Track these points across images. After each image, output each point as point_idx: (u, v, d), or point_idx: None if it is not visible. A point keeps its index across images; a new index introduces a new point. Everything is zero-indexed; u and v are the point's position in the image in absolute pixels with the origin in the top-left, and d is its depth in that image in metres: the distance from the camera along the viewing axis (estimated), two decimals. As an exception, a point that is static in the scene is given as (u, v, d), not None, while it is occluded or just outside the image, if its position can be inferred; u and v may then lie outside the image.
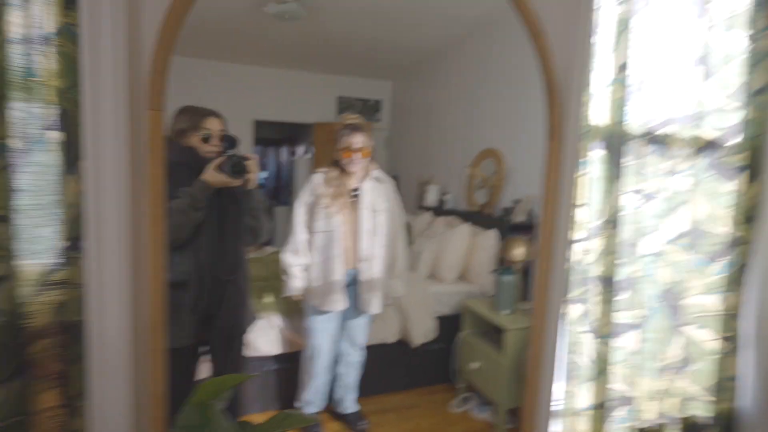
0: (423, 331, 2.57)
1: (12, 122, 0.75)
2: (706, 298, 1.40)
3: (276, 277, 2.65)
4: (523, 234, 2.74)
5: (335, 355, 2.19)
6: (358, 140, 1.91)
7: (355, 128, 1.93)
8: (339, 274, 1.96)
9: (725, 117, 1.35)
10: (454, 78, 3.99)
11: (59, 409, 0.85)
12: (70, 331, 0.81)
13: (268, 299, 2.33)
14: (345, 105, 5.30)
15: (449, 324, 2.70)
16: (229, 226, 1.51)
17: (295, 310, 2.32)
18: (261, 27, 3.66)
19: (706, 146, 1.34)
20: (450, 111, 4.05)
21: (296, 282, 2.01)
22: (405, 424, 2.34)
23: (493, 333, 2.42)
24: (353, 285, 2.05)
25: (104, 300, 0.73)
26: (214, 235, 1.48)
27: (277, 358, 2.34)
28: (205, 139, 1.49)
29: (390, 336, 2.53)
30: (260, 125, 5.17)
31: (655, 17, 1.24)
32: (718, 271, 1.38)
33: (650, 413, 1.36)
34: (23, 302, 0.78)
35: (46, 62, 0.75)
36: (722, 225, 1.36)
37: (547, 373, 1.10)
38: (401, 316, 2.56)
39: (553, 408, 1.22)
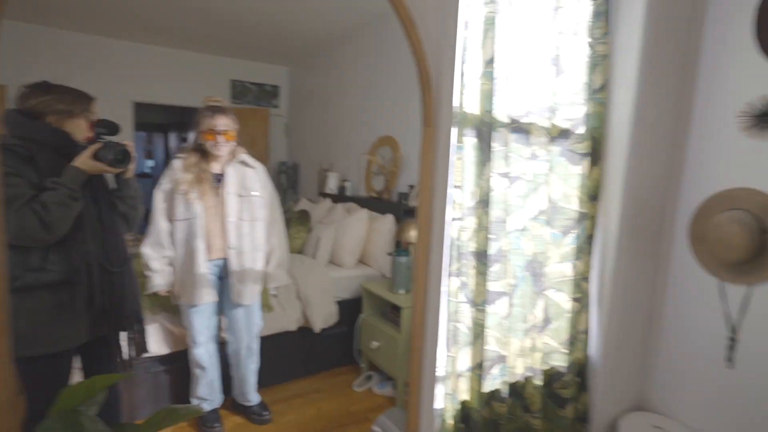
0: (324, 317, 2.60)
1: None
2: (561, 266, 1.62)
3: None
4: (417, 217, 2.89)
5: (232, 348, 2.12)
6: (221, 122, 1.83)
7: (217, 110, 1.85)
8: (203, 265, 1.87)
9: (573, 110, 1.56)
10: (352, 66, 4.02)
11: None
12: None
13: (154, 297, 2.17)
14: (240, 89, 5.05)
15: (350, 307, 2.76)
16: (106, 215, 1.39)
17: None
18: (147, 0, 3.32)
19: (558, 135, 1.54)
20: (348, 99, 4.08)
21: (159, 277, 1.88)
22: (308, 409, 2.36)
23: (392, 312, 2.53)
24: (225, 275, 1.97)
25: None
26: (95, 225, 1.34)
27: (167, 358, 2.19)
28: (91, 126, 1.35)
29: (291, 324, 2.52)
30: (143, 108, 4.69)
31: (517, 18, 1.39)
32: (569, 242, 1.60)
33: (519, 368, 1.55)
34: None
35: None
36: (572, 203, 1.59)
37: (429, 342, 1.20)
38: (302, 304, 2.56)
39: (437, 373, 1.33)
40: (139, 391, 2.15)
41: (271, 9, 3.46)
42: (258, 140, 4.92)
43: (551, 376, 1.63)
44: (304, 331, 2.60)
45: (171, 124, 7.10)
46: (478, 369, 1.37)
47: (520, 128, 1.46)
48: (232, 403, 2.29)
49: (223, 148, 1.86)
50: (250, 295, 1.97)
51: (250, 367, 2.15)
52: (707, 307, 1.69)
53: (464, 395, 1.38)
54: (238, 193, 1.91)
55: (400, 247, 2.82)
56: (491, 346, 1.44)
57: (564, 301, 1.62)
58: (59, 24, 3.86)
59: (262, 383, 2.33)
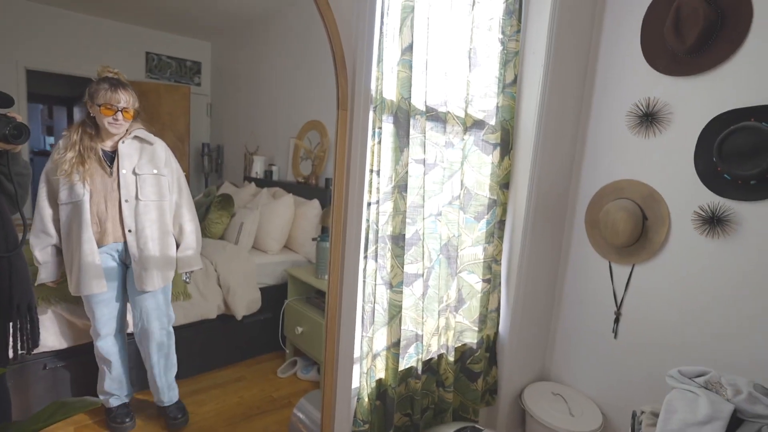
0: (247, 303, 2.54)
1: None
2: (474, 249, 1.72)
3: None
4: (344, 203, 2.89)
5: (139, 340, 1.98)
6: (121, 98, 1.68)
7: (118, 84, 1.69)
8: (91, 251, 1.72)
9: (486, 102, 1.65)
10: (280, 46, 3.88)
11: None
12: None
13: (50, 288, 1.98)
14: (156, 63, 4.67)
15: (275, 293, 2.72)
16: None
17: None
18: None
19: (473, 125, 1.62)
20: (276, 80, 3.94)
21: (44, 269, 1.75)
22: (230, 398, 2.31)
23: (316, 297, 2.53)
24: (127, 261, 1.85)
25: None
26: None
27: (68, 352, 2.02)
28: None
29: (211, 311, 2.43)
30: (40, 77, 4.17)
31: (435, 9, 1.43)
32: (482, 227, 1.70)
33: (434, 346, 1.63)
34: None
35: None
36: (485, 190, 1.68)
37: (345, 323, 1.22)
38: (222, 290, 2.48)
39: (354, 354, 1.36)
40: (36, 389, 1.96)
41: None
42: (178, 119, 4.60)
43: (463, 352, 1.73)
44: (226, 318, 2.52)
45: (76, 97, 6.41)
46: (395, 348, 1.42)
47: (436, 117, 1.51)
48: (146, 399, 2.17)
49: (121, 127, 1.71)
50: (156, 280, 1.84)
51: (161, 363, 2.00)
52: (599, 285, 1.89)
53: (380, 374, 1.43)
54: (133, 172, 1.76)
55: (325, 232, 2.81)
56: (407, 325, 1.50)
57: (476, 282, 1.73)
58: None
59: (180, 375, 2.22)
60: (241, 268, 2.56)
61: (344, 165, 1.10)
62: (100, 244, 1.75)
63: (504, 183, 1.74)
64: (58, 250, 1.78)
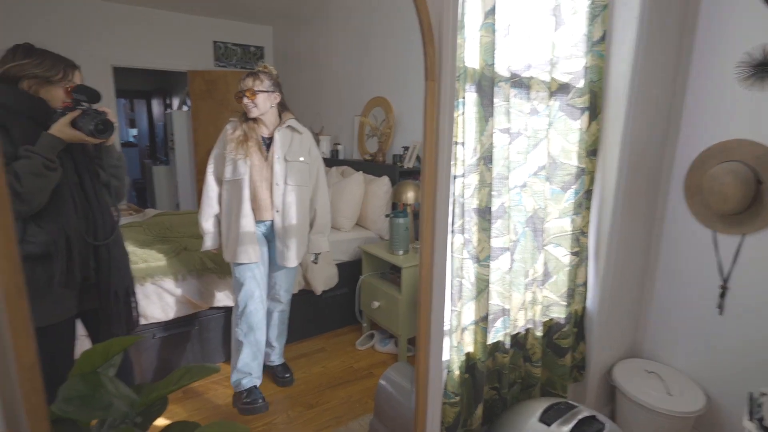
0: (325, 279, 2.64)
1: None
2: (560, 221, 1.65)
3: (162, 240, 2.46)
4: (413, 178, 2.88)
5: (270, 309, 2.17)
6: (246, 83, 1.88)
7: (249, 73, 1.90)
8: (249, 223, 1.91)
9: (572, 63, 1.54)
10: (341, 25, 3.87)
11: None
12: None
13: (156, 263, 2.17)
14: (223, 51, 4.86)
15: (350, 269, 2.80)
16: (90, 186, 1.33)
17: (187, 272, 2.20)
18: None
19: (558, 89, 1.52)
20: (338, 59, 3.95)
21: (209, 237, 2.00)
22: (314, 367, 2.44)
23: (391, 273, 2.57)
24: (271, 237, 2.03)
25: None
26: (77, 197, 1.30)
27: (170, 324, 2.22)
28: (68, 93, 1.28)
29: (294, 287, 2.55)
30: (124, 73, 4.51)
31: (518, -35, 1.34)
32: (569, 197, 1.62)
33: (521, 321, 1.60)
34: None
35: None
36: (571, 158, 1.59)
37: (437, 297, 1.22)
38: (302, 267, 2.59)
39: (444, 327, 1.37)
40: (147, 355, 2.19)
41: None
42: (246, 105, 4.79)
43: (551, 327, 1.69)
44: (306, 293, 2.64)
45: (154, 90, 6.86)
46: (483, 322, 1.41)
47: (520, 83, 1.44)
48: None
49: (253, 108, 1.88)
50: (294, 258, 2.02)
51: (280, 328, 2.25)
52: (700, 257, 1.74)
53: (469, 347, 1.43)
54: (284, 158, 1.94)
55: (396, 208, 2.82)
56: (494, 300, 1.48)
57: (563, 255, 1.66)
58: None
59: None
60: (318, 245, 2.65)
61: (433, 139, 1.08)
62: (255, 220, 1.95)
63: (592, 150, 1.64)
64: (219, 222, 2.01)
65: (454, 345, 1.35)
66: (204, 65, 4.76)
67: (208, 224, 1.99)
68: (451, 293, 1.34)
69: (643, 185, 1.77)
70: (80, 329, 1.49)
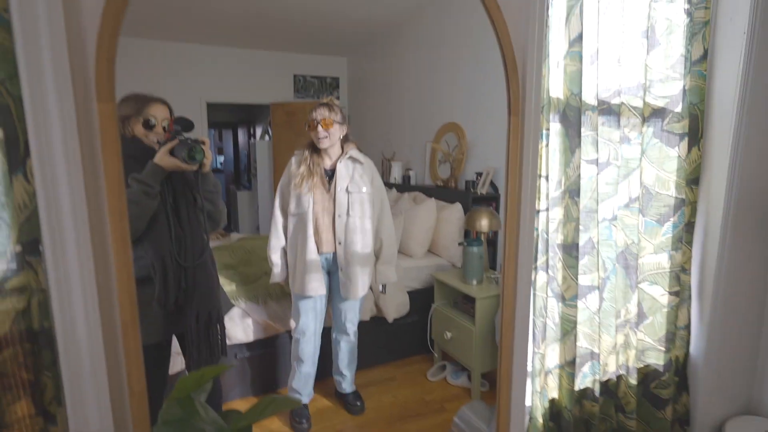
0: (396, 306, 2.63)
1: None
2: (657, 257, 1.50)
3: (245, 263, 2.61)
4: (486, 205, 2.81)
5: (335, 340, 2.19)
6: (321, 113, 1.89)
7: (321, 104, 1.93)
8: (312, 257, 1.93)
9: (668, 86, 1.42)
10: (412, 52, 3.96)
11: (34, 418, 0.82)
12: (37, 338, 0.78)
13: (239, 286, 2.30)
14: (302, 84, 5.17)
15: (422, 297, 2.76)
16: (185, 211, 1.44)
17: (267, 296, 2.31)
18: (211, 4, 3.48)
19: (652, 115, 1.41)
20: (409, 86, 4.03)
21: (277, 269, 2.02)
22: (384, 396, 2.41)
23: (464, 302, 2.50)
24: (334, 269, 2.03)
25: (71, 303, 0.70)
26: (172, 222, 1.42)
27: (251, 345, 2.33)
28: (149, 126, 1.41)
29: (365, 314, 2.56)
30: (214, 108, 4.96)
31: (605, -11, 1.28)
32: (666, 231, 1.47)
33: (611, 366, 1.46)
34: (-21, 312, 0.74)
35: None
36: (669, 189, 1.45)
37: (520, 337, 1.16)
38: (374, 294, 2.60)
39: (527, 369, 1.29)
40: (228, 375, 2.30)
41: (329, 0, 3.49)
42: (321, 133, 5.03)
43: (647, 374, 1.52)
44: (378, 320, 2.64)
45: (239, 121, 7.48)
46: (569, 366, 1.31)
47: (609, 110, 1.35)
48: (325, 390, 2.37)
49: (325, 139, 1.90)
50: (358, 290, 2.01)
51: (348, 358, 2.23)
52: (835, 300, 1.49)
53: (554, 393, 1.34)
54: (347, 189, 1.96)
55: (469, 236, 2.76)
56: (582, 342, 1.37)
57: (660, 294, 1.51)
58: (141, 34, 4.17)
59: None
60: (390, 272, 2.66)
61: (517, 174, 1.05)
62: (316, 252, 1.98)
63: (692, 179, 1.49)
64: (286, 254, 2.06)
65: (537, 390, 1.27)
66: (284, 97, 5.10)
67: (275, 257, 2.02)
68: (534, 334, 1.26)
69: (755, 217, 1.56)
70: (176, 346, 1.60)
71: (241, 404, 2.38)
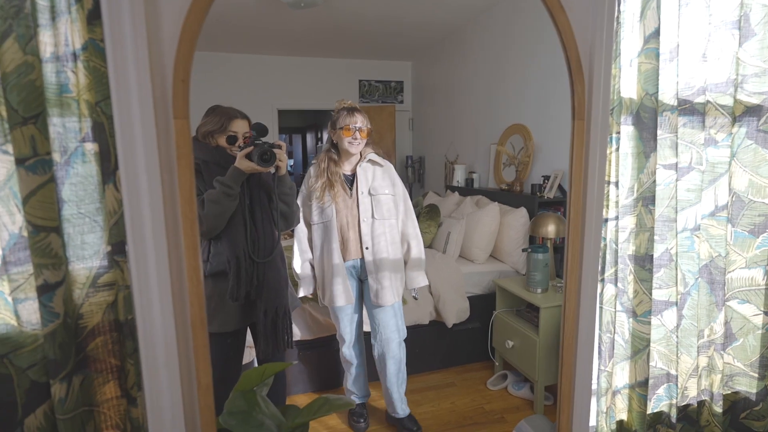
0: (456, 312, 2.59)
1: (52, 137, 0.80)
2: (749, 272, 1.34)
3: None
4: (553, 210, 2.68)
5: (377, 353, 2.07)
6: (357, 119, 1.84)
7: (354, 109, 1.88)
8: (339, 267, 1.90)
9: (765, 81, 1.26)
10: (477, 54, 3.88)
11: (119, 399, 0.92)
12: (122, 328, 0.87)
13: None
14: (367, 88, 5.27)
15: (483, 303, 2.70)
16: (260, 211, 1.54)
17: (328, 296, 2.38)
18: (278, 16, 3.67)
19: (744, 113, 1.26)
20: (473, 88, 3.95)
21: (303, 283, 1.99)
22: (443, 403, 2.38)
23: (527, 311, 2.40)
24: (363, 276, 1.98)
25: (149, 299, 0.78)
26: (248, 221, 1.51)
27: (313, 343, 2.41)
28: (231, 141, 1.53)
29: (424, 317, 2.56)
30: (284, 114, 5.22)
31: (688, -22, 1.17)
32: (761, 243, 1.31)
33: (692, 390, 1.33)
34: (78, 304, 0.85)
35: (76, 78, 0.79)
36: (765, 195, 1.29)
37: (583, 352, 1.10)
38: (434, 298, 2.59)
39: (591, 387, 1.21)
40: (291, 371, 2.41)
41: (393, 6, 3.52)
42: (385, 136, 5.10)
43: (735, 402, 1.36)
44: (437, 324, 2.62)
45: (306, 126, 7.80)
46: (641, 387, 1.21)
47: (692, 110, 1.23)
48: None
49: (358, 146, 1.88)
50: (389, 296, 1.95)
51: (394, 375, 2.07)
52: None
53: (622, 414, 1.24)
54: (369, 192, 1.92)
55: (534, 242, 2.65)
56: (656, 362, 1.26)
57: (753, 314, 1.34)
58: (218, 48, 4.49)
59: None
60: (450, 276, 2.62)
61: (581, 180, 0.99)
62: (343, 260, 1.95)
63: (796, 184, 1.31)
64: (312, 266, 2.03)
65: (603, 410, 1.19)
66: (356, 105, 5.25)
67: (303, 270, 1.98)
68: (600, 350, 1.18)
69: None
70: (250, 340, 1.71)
71: (303, 399, 2.48)
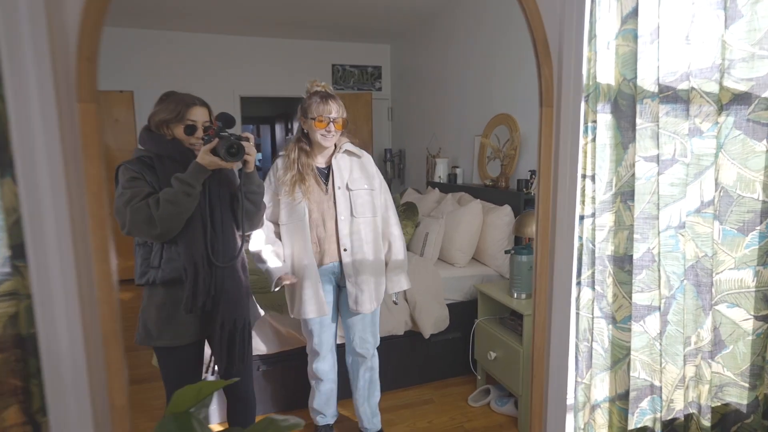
0: (434, 321, 2.59)
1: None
2: (739, 273, 1.37)
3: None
4: (541, 208, 2.71)
5: (349, 362, 2.11)
6: (332, 108, 1.78)
7: (328, 96, 1.80)
8: (312, 271, 1.84)
9: (754, 66, 1.29)
10: (461, 37, 3.90)
11: (24, 426, 0.88)
12: (25, 344, 0.84)
13: (261, 293, 2.37)
14: (341, 74, 5.25)
15: (464, 311, 2.71)
16: (221, 211, 1.51)
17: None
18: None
19: (732, 101, 1.29)
20: (457, 74, 3.97)
21: (272, 264, 1.85)
22: (419, 422, 2.38)
23: (511, 319, 2.42)
24: (341, 281, 1.94)
25: (52, 311, 0.75)
26: (207, 222, 1.48)
27: (273, 357, 2.38)
28: (189, 131, 1.49)
29: (398, 327, 2.55)
30: (250, 102, 5.16)
31: (669, -47, 1.18)
32: (750, 242, 1.34)
33: (678, 402, 1.35)
34: (-29, 317, 0.81)
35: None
36: (754, 190, 1.32)
37: (556, 363, 1.10)
38: (409, 306, 2.58)
39: (567, 401, 1.22)
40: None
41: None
42: (361, 127, 5.08)
43: (725, 415, 1.39)
44: (413, 335, 2.62)
45: (276, 116, 7.71)
46: (621, 401, 1.23)
47: (675, 97, 1.25)
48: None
49: (332, 138, 1.82)
50: (369, 301, 1.92)
51: (366, 387, 2.10)
52: None
53: (602, 431, 1.25)
54: (347, 187, 1.87)
55: (519, 243, 2.67)
56: (638, 372, 1.28)
57: (743, 319, 1.37)
58: (166, 26, 4.40)
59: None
60: (428, 282, 2.63)
61: (549, 173, 0.99)
62: (318, 265, 1.89)
63: (787, 178, 1.34)
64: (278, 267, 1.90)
65: (580, 426, 1.19)
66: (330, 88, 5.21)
67: (264, 254, 1.85)
68: (576, 360, 1.19)
69: None
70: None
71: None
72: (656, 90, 1.18)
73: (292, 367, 2.42)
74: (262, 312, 1.84)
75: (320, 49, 5.12)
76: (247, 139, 1.45)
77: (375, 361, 2.10)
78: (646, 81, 1.18)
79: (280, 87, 5.03)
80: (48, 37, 0.70)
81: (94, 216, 0.72)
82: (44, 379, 0.78)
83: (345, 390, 2.27)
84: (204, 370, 1.69)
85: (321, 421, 2.18)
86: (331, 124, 1.79)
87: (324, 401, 2.14)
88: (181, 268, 1.45)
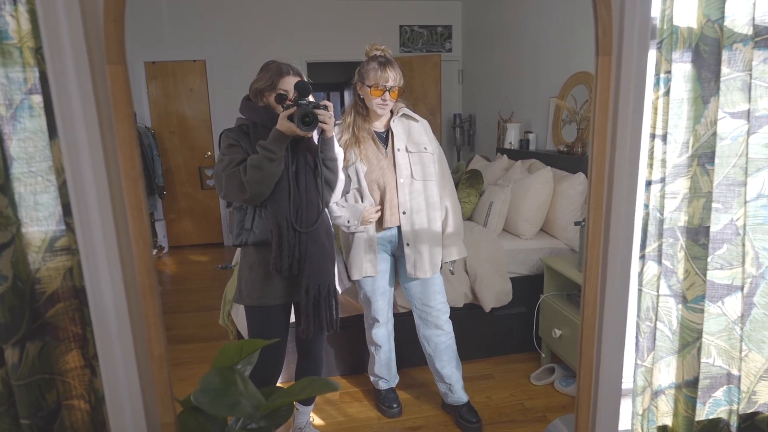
0: (496, 294, 2.54)
1: (-6, 89, 0.84)
2: None
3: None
4: (621, 176, 2.51)
5: (421, 333, 2.12)
6: (390, 76, 1.77)
7: (386, 62, 1.79)
8: (370, 234, 1.90)
9: None
10: (536, -11, 3.63)
11: (83, 369, 0.99)
12: (80, 295, 0.93)
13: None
14: (409, 35, 5.13)
15: (529, 285, 2.63)
16: (305, 178, 1.59)
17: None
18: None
19: None
20: (533, 31, 3.73)
21: (352, 217, 1.89)
22: (477, 396, 2.37)
23: (578, 296, 2.31)
24: (400, 247, 1.97)
25: (96, 266, 0.82)
26: (292, 188, 1.56)
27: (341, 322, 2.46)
28: (279, 100, 1.56)
29: (458, 299, 2.53)
30: (318, 67, 5.21)
31: None
32: None
33: (762, 395, 1.22)
34: (34, 268, 0.91)
35: (17, 23, 0.82)
36: None
37: (609, 343, 1.03)
38: (469, 277, 2.54)
39: (623, 386, 1.15)
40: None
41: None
42: (429, 90, 4.95)
43: (820, 413, 1.24)
44: (473, 308, 2.58)
45: (344, 82, 7.75)
46: (689, 388, 1.13)
47: (774, 40, 1.08)
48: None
49: (387, 107, 1.83)
50: (427, 266, 1.94)
51: (443, 357, 2.09)
52: None
53: (665, 419, 1.17)
54: (407, 149, 1.90)
55: (594, 214, 2.51)
56: (712, 359, 1.17)
57: None
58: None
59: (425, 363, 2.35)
60: (490, 253, 2.56)
61: (606, 132, 0.90)
62: (377, 230, 1.94)
63: None
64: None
65: (638, 412, 1.12)
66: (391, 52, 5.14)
67: (345, 205, 1.88)
68: (637, 341, 1.10)
69: None
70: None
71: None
72: (750, 32, 1.02)
73: (351, 333, 2.49)
74: (348, 283, 1.95)
75: (387, 10, 5.03)
76: (325, 107, 1.49)
77: (450, 328, 2.11)
78: (737, 22, 1.02)
79: (347, 51, 5.02)
80: (79, 1, 0.74)
81: (127, 175, 0.77)
82: (94, 329, 0.86)
83: (402, 358, 2.33)
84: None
85: (383, 385, 2.25)
86: (387, 93, 1.79)
87: (384, 367, 2.21)
88: (269, 231, 1.55)
